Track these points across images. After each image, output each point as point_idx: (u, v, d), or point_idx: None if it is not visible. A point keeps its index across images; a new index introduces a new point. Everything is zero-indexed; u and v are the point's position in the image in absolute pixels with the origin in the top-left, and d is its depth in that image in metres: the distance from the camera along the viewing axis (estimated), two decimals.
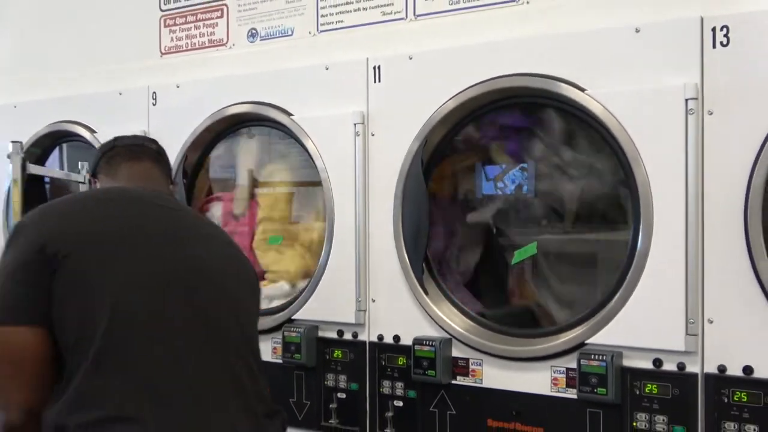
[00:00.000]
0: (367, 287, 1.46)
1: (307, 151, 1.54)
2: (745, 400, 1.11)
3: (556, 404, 1.25)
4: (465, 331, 1.35)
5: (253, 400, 1.03)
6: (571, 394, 1.24)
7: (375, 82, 1.45)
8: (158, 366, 0.96)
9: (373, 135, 1.46)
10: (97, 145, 1.87)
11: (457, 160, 1.47)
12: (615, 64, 1.21)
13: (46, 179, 2.10)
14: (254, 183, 1.72)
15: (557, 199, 1.38)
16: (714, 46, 1.13)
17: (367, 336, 1.47)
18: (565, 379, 1.25)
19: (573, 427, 1.24)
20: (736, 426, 1.11)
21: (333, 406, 1.49)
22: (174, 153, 1.71)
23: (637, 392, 1.18)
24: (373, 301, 1.46)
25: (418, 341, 1.37)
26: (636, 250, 1.19)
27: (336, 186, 1.49)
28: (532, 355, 1.28)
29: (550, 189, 1.38)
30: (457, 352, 1.37)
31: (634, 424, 1.18)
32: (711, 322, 1.14)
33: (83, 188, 1.89)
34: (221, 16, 1.76)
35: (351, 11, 1.56)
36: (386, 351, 1.44)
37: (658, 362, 1.17)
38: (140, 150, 1.22)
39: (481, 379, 1.34)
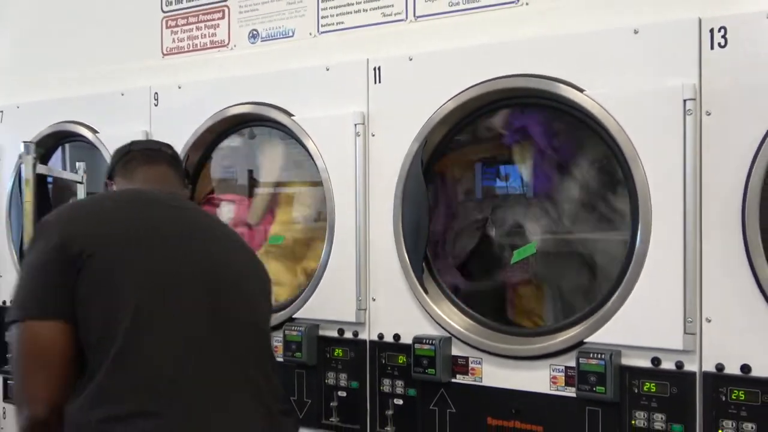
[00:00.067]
0: (367, 286, 1.47)
1: (307, 151, 1.55)
2: (742, 398, 1.11)
3: (556, 402, 1.26)
4: (465, 329, 1.36)
5: (269, 398, 1.05)
6: (570, 392, 1.24)
7: (375, 82, 1.46)
8: (177, 364, 0.98)
9: (373, 135, 1.47)
10: (99, 145, 1.89)
11: (476, 150, 1.45)
12: (613, 65, 1.22)
13: (49, 179, 2.11)
14: (274, 192, 1.70)
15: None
16: (712, 48, 1.14)
17: (368, 335, 1.47)
18: (564, 378, 1.25)
19: (572, 425, 1.25)
20: (733, 424, 1.12)
21: (334, 404, 1.50)
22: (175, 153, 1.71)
23: (636, 391, 1.19)
24: (374, 300, 1.47)
25: (418, 340, 1.38)
26: (634, 250, 1.20)
27: (336, 186, 1.50)
28: (531, 353, 1.29)
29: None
30: (456, 350, 1.37)
31: (633, 422, 1.19)
32: (709, 321, 1.15)
33: (81, 188, 1.90)
34: (222, 18, 1.77)
35: (351, 12, 1.57)
36: (386, 349, 1.44)
37: (656, 361, 1.18)
38: (156, 154, 1.26)
39: (481, 378, 1.34)
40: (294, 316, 1.55)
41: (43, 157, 2.07)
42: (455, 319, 1.38)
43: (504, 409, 1.31)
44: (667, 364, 1.17)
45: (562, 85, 1.26)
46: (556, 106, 1.30)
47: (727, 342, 1.13)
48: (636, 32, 1.20)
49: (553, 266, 1.41)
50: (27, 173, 0.95)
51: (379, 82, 1.46)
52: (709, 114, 1.15)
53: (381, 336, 1.46)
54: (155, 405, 0.96)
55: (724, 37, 1.13)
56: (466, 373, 1.36)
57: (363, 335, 1.48)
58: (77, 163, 1.93)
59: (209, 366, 1.01)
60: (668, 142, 1.16)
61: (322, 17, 1.61)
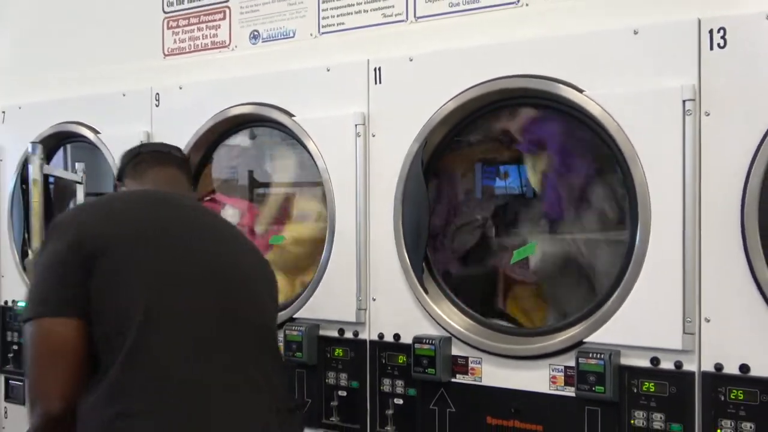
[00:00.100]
0: (367, 286, 1.47)
1: (308, 151, 1.56)
2: (741, 398, 1.12)
3: (555, 402, 1.26)
4: (464, 329, 1.37)
5: (278, 396, 1.07)
6: (570, 392, 1.25)
7: (376, 83, 1.47)
8: (186, 364, 1.00)
9: (373, 136, 1.47)
10: (100, 146, 1.90)
11: (484, 149, 1.45)
12: (613, 66, 1.22)
13: (51, 179, 2.12)
14: (287, 199, 1.69)
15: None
16: (711, 48, 1.14)
17: (368, 334, 1.48)
18: (563, 377, 1.26)
19: (571, 424, 1.25)
20: (732, 423, 1.12)
21: (334, 403, 1.50)
22: None
23: (635, 390, 1.19)
24: (374, 300, 1.47)
25: (418, 340, 1.38)
26: (634, 250, 1.20)
27: (337, 186, 1.50)
28: (530, 353, 1.29)
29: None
30: (456, 350, 1.38)
31: (632, 421, 1.19)
32: (708, 321, 1.15)
33: (80, 189, 1.91)
34: (224, 18, 1.77)
35: (352, 13, 1.57)
36: (386, 349, 1.45)
37: (655, 361, 1.18)
38: (166, 156, 1.29)
39: (481, 377, 1.35)
40: (294, 316, 1.56)
41: (45, 157, 2.08)
42: (455, 319, 1.38)
43: (504, 408, 1.31)
44: (666, 364, 1.17)
45: (561, 86, 1.26)
46: (555, 106, 1.31)
47: (726, 342, 1.14)
48: (636, 33, 1.20)
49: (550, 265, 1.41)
50: (35, 173, 0.96)
51: (380, 82, 1.46)
52: (709, 114, 1.15)
53: (381, 336, 1.46)
54: (162, 405, 0.97)
55: (723, 37, 1.13)
56: (465, 372, 1.36)
57: (363, 335, 1.48)
58: (76, 164, 1.94)
59: (217, 365, 1.02)
60: (667, 143, 1.16)
61: (323, 18, 1.61)
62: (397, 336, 1.44)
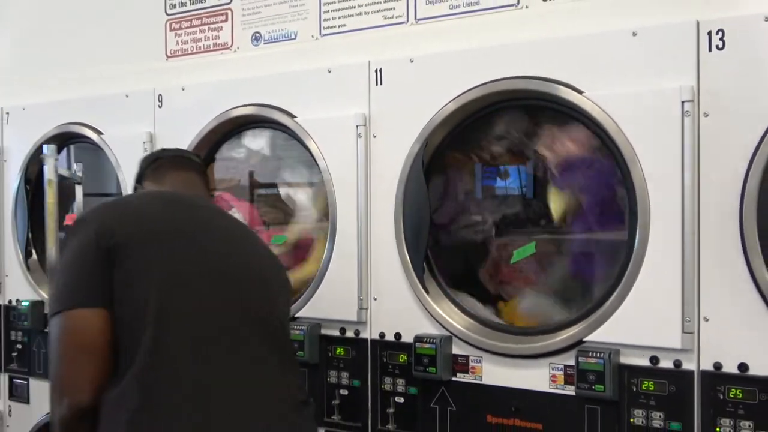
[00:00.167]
0: (368, 286, 1.48)
1: (309, 152, 1.57)
2: (740, 396, 1.12)
3: (555, 401, 1.27)
4: (465, 329, 1.37)
5: (292, 390, 1.10)
6: (570, 390, 1.25)
7: (377, 84, 1.48)
8: (200, 361, 1.02)
9: (374, 137, 1.48)
10: (103, 147, 1.91)
11: (491, 152, 1.44)
12: (612, 67, 1.23)
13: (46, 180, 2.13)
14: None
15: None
16: (710, 50, 1.15)
17: (369, 334, 1.49)
18: (563, 376, 1.26)
19: (571, 423, 1.26)
20: (731, 422, 1.13)
21: (335, 402, 1.51)
22: None
23: (635, 389, 1.20)
24: (375, 299, 1.48)
25: (419, 339, 1.39)
26: (633, 250, 1.21)
27: (338, 186, 1.51)
28: (531, 352, 1.30)
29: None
30: (457, 349, 1.39)
31: (632, 420, 1.20)
32: (707, 320, 1.16)
33: (78, 189, 1.92)
34: (226, 20, 1.79)
35: (353, 15, 1.58)
36: (388, 348, 1.46)
37: (654, 360, 1.19)
38: (184, 161, 1.34)
39: (481, 376, 1.36)
40: (296, 315, 1.57)
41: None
42: (456, 318, 1.39)
43: (504, 407, 1.32)
44: (666, 363, 1.18)
45: (561, 87, 1.27)
46: (556, 107, 1.32)
47: (725, 341, 1.14)
48: (635, 35, 1.21)
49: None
50: (49, 174, 0.99)
51: (381, 84, 1.47)
52: (707, 115, 1.16)
53: (382, 335, 1.47)
54: (174, 404, 0.99)
55: (722, 39, 1.14)
56: (466, 371, 1.37)
57: (364, 334, 1.49)
58: (74, 164, 1.95)
59: (238, 361, 1.05)
60: (666, 143, 1.17)
61: (324, 20, 1.62)
62: (398, 335, 1.45)
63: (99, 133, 1.93)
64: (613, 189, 1.29)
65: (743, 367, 1.13)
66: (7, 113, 2.15)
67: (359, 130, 1.48)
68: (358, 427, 1.49)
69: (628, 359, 1.21)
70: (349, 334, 1.51)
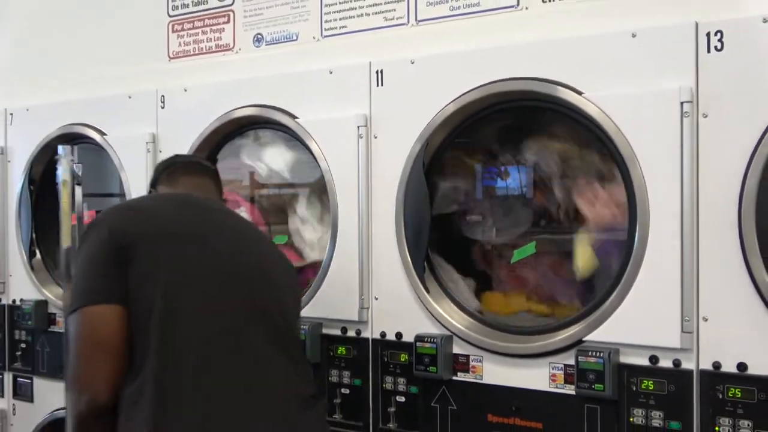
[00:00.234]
0: (369, 285, 1.49)
1: (311, 153, 1.58)
2: (739, 396, 1.13)
3: (555, 400, 1.28)
4: (465, 328, 1.38)
5: (300, 388, 1.12)
6: (570, 390, 1.26)
7: (377, 85, 1.48)
8: (209, 358, 1.04)
9: (375, 137, 1.49)
10: (106, 147, 1.92)
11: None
12: (612, 68, 1.24)
13: (58, 181, 2.15)
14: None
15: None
16: (709, 51, 1.15)
17: (370, 333, 1.50)
18: (563, 376, 1.27)
19: (571, 422, 1.26)
20: (730, 421, 1.13)
21: (337, 401, 1.52)
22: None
23: (634, 388, 1.21)
24: (376, 299, 1.49)
25: (419, 338, 1.40)
26: (632, 250, 1.21)
27: (339, 187, 1.52)
28: (531, 351, 1.31)
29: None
30: (457, 348, 1.39)
31: (631, 419, 1.21)
32: (706, 319, 1.16)
33: (78, 189, 1.92)
34: (228, 22, 1.80)
35: (354, 17, 1.59)
36: (389, 348, 1.47)
37: (654, 359, 1.20)
38: (198, 167, 1.38)
39: (482, 376, 1.36)
40: None
41: (52, 158, 2.11)
42: (456, 317, 1.40)
43: (504, 406, 1.33)
44: (665, 363, 1.19)
45: (561, 88, 1.28)
46: (555, 108, 1.32)
47: (724, 340, 1.15)
48: (634, 36, 1.22)
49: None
50: (64, 175, 1.01)
51: (382, 85, 1.48)
52: (706, 116, 1.16)
53: (383, 334, 1.48)
54: (181, 399, 1.01)
55: (720, 40, 1.15)
56: (467, 370, 1.38)
57: (366, 333, 1.50)
58: (74, 165, 1.95)
59: (250, 359, 1.07)
60: (665, 144, 1.18)
61: (326, 21, 1.63)
62: (399, 334, 1.46)
63: (102, 133, 1.94)
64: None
65: (742, 366, 1.13)
66: (11, 114, 2.17)
67: (360, 130, 1.49)
68: (359, 426, 1.50)
69: (628, 359, 1.22)
70: (351, 333, 1.52)
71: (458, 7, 1.45)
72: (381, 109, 1.48)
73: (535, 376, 1.30)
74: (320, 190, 1.59)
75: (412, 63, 1.44)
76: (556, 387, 1.28)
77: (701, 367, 1.16)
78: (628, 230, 1.24)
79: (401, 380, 1.45)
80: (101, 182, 2.03)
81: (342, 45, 1.60)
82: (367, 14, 1.57)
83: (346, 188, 1.51)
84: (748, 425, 1.12)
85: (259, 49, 1.74)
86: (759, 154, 1.12)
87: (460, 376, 1.38)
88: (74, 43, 2.07)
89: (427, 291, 1.42)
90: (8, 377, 2.14)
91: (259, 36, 1.74)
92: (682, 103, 1.16)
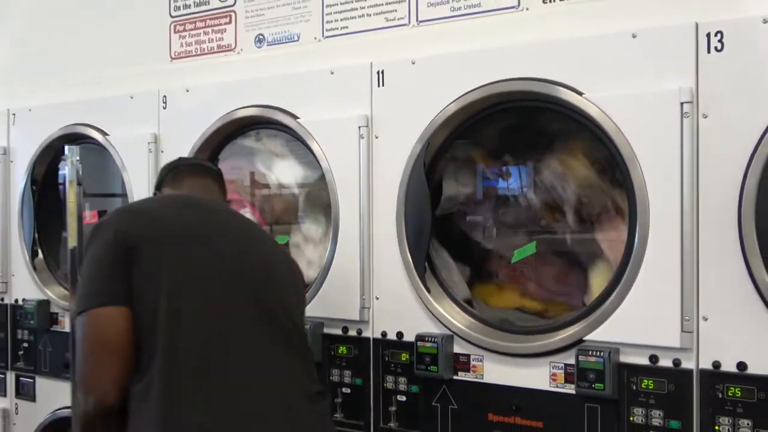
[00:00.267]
0: (371, 285, 1.50)
1: (312, 153, 1.58)
2: (739, 395, 1.13)
3: (555, 399, 1.28)
4: (466, 327, 1.39)
5: (308, 383, 1.14)
6: (570, 389, 1.26)
7: (379, 86, 1.49)
8: (212, 359, 1.06)
9: (376, 137, 1.50)
10: (108, 147, 1.93)
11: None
12: (612, 69, 1.24)
13: (60, 182, 2.16)
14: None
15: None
16: (709, 51, 1.16)
17: (371, 333, 1.50)
18: (563, 375, 1.28)
19: (571, 421, 1.27)
20: (730, 420, 1.14)
21: (338, 400, 1.53)
22: (183, 155, 1.75)
23: (634, 388, 1.21)
24: (377, 298, 1.49)
25: (420, 338, 1.41)
26: (632, 250, 1.22)
27: (341, 187, 1.52)
28: (531, 351, 1.31)
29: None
30: (458, 348, 1.40)
31: (631, 418, 1.21)
32: (706, 319, 1.17)
33: (79, 190, 1.93)
34: (229, 22, 1.80)
35: (355, 17, 1.59)
36: (390, 347, 1.47)
37: (654, 358, 1.20)
38: (201, 168, 1.41)
39: (482, 375, 1.37)
40: None
41: (55, 158, 2.12)
42: (457, 317, 1.40)
43: (505, 405, 1.33)
44: (665, 362, 1.19)
45: (561, 89, 1.28)
46: (556, 108, 1.33)
47: (724, 340, 1.15)
48: (634, 36, 1.22)
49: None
50: (71, 174, 1.02)
51: (383, 85, 1.48)
52: (706, 116, 1.17)
53: (384, 334, 1.48)
54: (202, 393, 1.03)
55: (720, 41, 1.15)
56: (467, 370, 1.38)
57: (367, 333, 1.51)
58: (66, 167, 1.96)
59: (256, 357, 1.09)
60: (666, 144, 1.18)
61: (327, 22, 1.64)
62: (399, 334, 1.47)
63: (104, 133, 1.95)
64: None
65: (742, 365, 1.14)
66: (14, 114, 2.18)
67: (361, 131, 1.50)
68: (360, 425, 1.51)
69: (628, 358, 1.22)
70: (352, 333, 1.52)
71: (459, 8, 1.45)
72: (382, 110, 1.49)
73: (536, 376, 1.30)
74: (326, 208, 1.58)
75: (413, 63, 1.45)
76: (557, 386, 1.28)
77: (701, 366, 1.17)
78: (628, 230, 1.24)
79: (402, 379, 1.45)
80: (103, 182, 2.04)
81: (343, 45, 1.60)
82: (369, 15, 1.57)
83: (348, 188, 1.51)
84: (748, 424, 1.12)
85: (260, 50, 1.75)
86: (759, 155, 1.12)
87: (461, 376, 1.39)
88: (76, 43, 2.08)
89: (428, 291, 1.42)
90: (11, 376, 2.15)
91: (261, 36, 1.74)
92: (682, 104, 1.17)
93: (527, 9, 1.38)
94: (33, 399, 2.09)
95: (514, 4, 1.39)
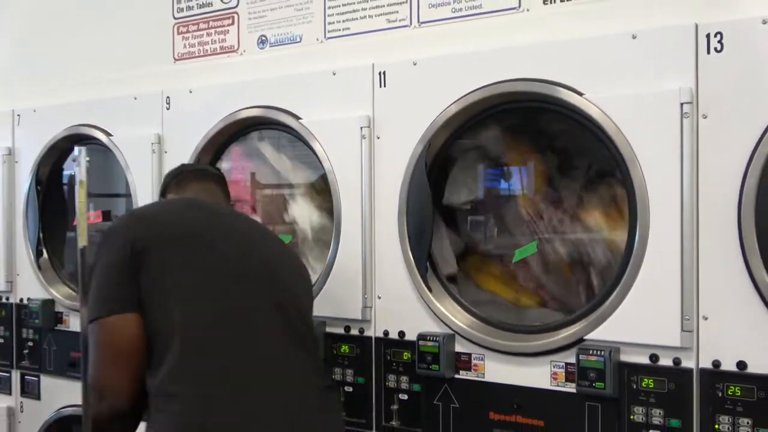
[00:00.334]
0: (373, 285, 1.50)
1: (315, 153, 1.59)
2: (738, 394, 1.14)
3: (556, 398, 1.29)
4: (467, 327, 1.39)
5: (317, 377, 1.17)
6: (571, 388, 1.27)
7: (380, 87, 1.50)
8: (216, 360, 1.09)
9: (378, 138, 1.50)
10: (112, 148, 1.94)
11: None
12: (612, 70, 1.24)
13: (65, 182, 2.17)
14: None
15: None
16: (708, 52, 1.16)
17: (373, 332, 1.51)
18: (564, 374, 1.28)
19: (572, 420, 1.27)
20: (730, 419, 1.14)
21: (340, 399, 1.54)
22: (187, 156, 1.76)
23: (634, 386, 1.21)
24: (379, 298, 1.50)
25: (422, 337, 1.41)
26: (633, 249, 1.22)
27: (343, 187, 1.53)
28: (532, 350, 1.32)
29: None
30: (460, 347, 1.40)
31: (632, 417, 1.22)
32: (706, 318, 1.17)
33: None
34: (232, 24, 1.81)
35: (357, 19, 1.60)
36: (391, 346, 1.48)
37: (654, 357, 1.21)
38: (204, 173, 1.44)
39: (483, 374, 1.38)
40: None
41: (60, 158, 2.14)
42: (458, 316, 1.41)
43: (506, 404, 1.34)
44: (665, 361, 1.19)
45: (562, 89, 1.29)
46: (556, 109, 1.33)
47: (724, 339, 1.16)
48: (634, 37, 1.23)
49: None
50: (81, 175, 1.04)
51: (384, 86, 1.49)
52: (706, 117, 1.17)
53: (386, 333, 1.49)
54: (220, 387, 1.06)
55: (720, 42, 1.15)
56: (469, 369, 1.39)
57: (369, 332, 1.52)
58: (77, 167, 1.98)
59: (268, 352, 1.12)
60: (666, 144, 1.19)
61: (329, 23, 1.65)
62: (401, 333, 1.47)
63: (108, 134, 1.96)
64: None
65: (742, 365, 1.14)
66: (19, 115, 2.19)
67: (363, 131, 1.51)
68: (362, 423, 1.52)
69: (628, 357, 1.23)
70: (354, 332, 1.53)
71: (460, 9, 1.46)
72: (384, 110, 1.50)
73: (537, 375, 1.31)
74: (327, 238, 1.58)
75: (415, 64, 1.46)
76: (558, 385, 1.29)
77: (701, 365, 1.17)
78: (629, 230, 1.25)
79: (404, 378, 1.46)
80: (107, 183, 2.06)
81: (345, 47, 1.61)
82: (370, 16, 1.58)
83: (350, 188, 1.52)
84: (748, 423, 1.13)
85: (263, 51, 1.76)
86: (758, 155, 1.12)
87: (462, 375, 1.40)
88: (81, 45, 2.09)
89: (430, 290, 1.43)
90: (16, 375, 2.16)
91: (263, 38, 1.75)
92: (682, 104, 1.17)
93: (528, 10, 1.38)
94: (38, 397, 2.11)
95: (514, 6, 1.40)
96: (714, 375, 1.16)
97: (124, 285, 1.09)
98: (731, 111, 1.15)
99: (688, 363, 1.18)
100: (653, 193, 1.20)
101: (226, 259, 1.16)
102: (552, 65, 1.30)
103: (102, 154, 1.98)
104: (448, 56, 1.42)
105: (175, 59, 1.91)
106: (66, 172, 2.16)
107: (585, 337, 1.26)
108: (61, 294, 2.06)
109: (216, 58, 1.83)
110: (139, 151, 1.86)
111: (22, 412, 2.16)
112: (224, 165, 1.78)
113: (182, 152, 1.77)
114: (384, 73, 1.49)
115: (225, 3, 1.82)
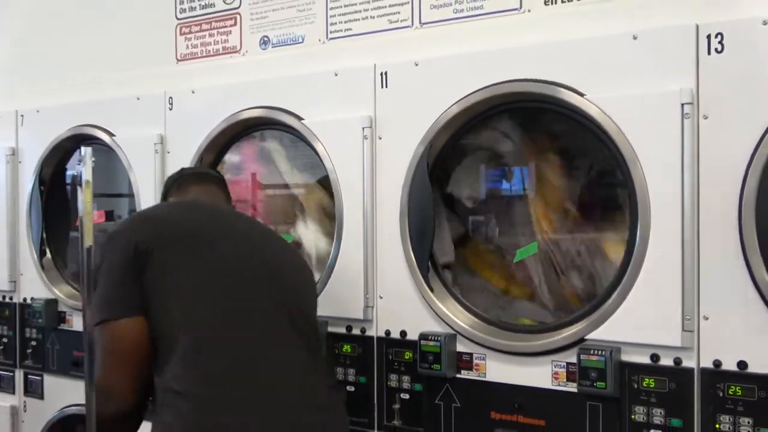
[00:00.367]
0: (374, 284, 1.51)
1: (317, 153, 1.60)
2: (739, 394, 1.14)
3: (557, 398, 1.29)
4: (469, 327, 1.40)
5: (321, 376, 1.19)
6: (572, 387, 1.27)
7: (382, 87, 1.50)
8: (243, 350, 1.10)
9: (380, 138, 1.51)
10: (115, 148, 1.95)
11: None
12: (613, 70, 1.25)
13: (68, 182, 2.18)
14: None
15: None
16: (709, 53, 1.16)
17: (375, 331, 1.52)
18: (565, 374, 1.28)
19: (573, 419, 1.28)
20: (730, 419, 1.14)
21: None
22: (189, 156, 1.77)
23: (635, 386, 1.22)
24: (381, 297, 1.51)
25: (423, 336, 1.42)
26: (634, 249, 1.23)
27: (344, 187, 1.54)
28: (533, 350, 1.32)
29: None
30: (461, 347, 1.41)
31: (633, 417, 1.22)
32: (706, 318, 1.17)
33: (80, 191, 1.95)
34: (235, 24, 1.82)
35: (359, 19, 1.61)
36: (393, 346, 1.49)
37: (655, 357, 1.21)
38: (205, 176, 1.46)
39: (485, 373, 1.38)
40: None
41: (63, 158, 2.15)
42: (460, 316, 1.41)
43: (507, 403, 1.34)
44: (666, 361, 1.20)
45: (563, 90, 1.29)
46: (557, 110, 1.34)
47: (724, 339, 1.16)
48: (635, 38, 1.23)
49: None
50: (87, 175, 1.05)
51: (386, 86, 1.50)
52: (707, 117, 1.17)
53: (388, 332, 1.50)
54: (230, 386, 1.08)
55: (720, 42, 1.16)
56: (470, 368, 1.39)
57: (370, 332, 1.52)
58: (76, 167, 1.99)
59: (274, 350, 1.13)
60: (666, 145, 1.19)
61: (331, 24, 1.65)
62: (403, 333, 1.48)
63: (111, 134, 1.97)
64: None
65: (742, 364, 1.14)
66: (22, 115, 2.20)
67: (365, 132, 1.51)
68: (364, 422, 1.52)
69: (629, 357, 1.23)
70: (356, 331, 1.54)
71: (462, 10, 1.46)
72: (385, 111, 1.50)
73: (538, 374, 1.31)
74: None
75: (416, 65, 1.46)
76: (559, 385, 1.29)
77: (702, 365, 1.17)
78: (630, 230, 1.25)
79: (405, 378, 1.47)
80: (110, 183, 2.07)
81: (347, 47, 1.61)
82: (372, 17, 1.59)
83: (351, 189, 1.53)
84: (749, 423, 1.13)
85: (265, 52, 1.76)
86: (759, 155, 1.13)
87: (464, 374, 1.40)
88: (84, 45, 2.10)
89: (431, 290, 1.43)
90: (19, 374, 2.17)
91: (266, 38, 1.76)
92: (682, 105, 1.17)
93: (529, 11, 1.39)
94: (41, 397, 2.12)
95: (516, 6, 1.41)
96: (715, 375, 1.16)
97: (129, 286, 1.10)
98: (732, 111, 1.16)
99: (689, 363, 1.18)
100: (654, 193, 1.20)
101: (226, 258, 1.17)
102: (553, 66, 1.30)
103: (105, 154, 1.99)
104: (450, 57, 1.42)
105: (178, 60, 1.92)
106: (69, 172, 2.17)
107: (586, 337, 1.27)
108: (64, 293, 2.07)
109: (218, 59, 1.84)
110: (142, 151, 1.87)
111: (25, 411, 2.17)
112: (233, 159, 1.76)
113: (185, 152, 1.77)
114: (386, 73, 1.49)
115: (227, 4, 1.83)
